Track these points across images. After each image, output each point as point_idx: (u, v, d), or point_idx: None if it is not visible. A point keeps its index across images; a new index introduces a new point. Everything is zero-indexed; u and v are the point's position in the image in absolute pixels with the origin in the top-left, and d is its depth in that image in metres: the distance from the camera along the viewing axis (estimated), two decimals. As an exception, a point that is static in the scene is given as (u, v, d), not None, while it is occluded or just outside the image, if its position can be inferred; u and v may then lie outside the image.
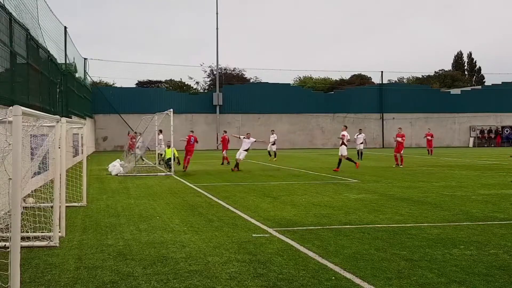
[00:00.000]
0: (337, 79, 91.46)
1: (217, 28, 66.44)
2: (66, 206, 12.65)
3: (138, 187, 20.87)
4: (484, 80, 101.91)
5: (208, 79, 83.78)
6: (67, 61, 36.72)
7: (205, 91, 79.94)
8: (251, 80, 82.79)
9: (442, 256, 9.11)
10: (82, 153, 24.37)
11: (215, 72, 71.71)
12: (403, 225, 12.14)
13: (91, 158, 42.40)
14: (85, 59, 56.07)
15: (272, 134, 41.06)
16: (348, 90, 75.62)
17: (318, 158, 42.08)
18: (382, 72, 71.65)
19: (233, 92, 68.03)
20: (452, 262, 8.71)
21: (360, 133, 40.92)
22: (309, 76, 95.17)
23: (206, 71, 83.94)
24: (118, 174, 26.17)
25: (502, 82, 74.21)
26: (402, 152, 31.54)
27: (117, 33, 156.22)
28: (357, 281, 7.66)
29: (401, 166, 30.60)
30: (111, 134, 63.47)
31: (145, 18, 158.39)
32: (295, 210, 14.44)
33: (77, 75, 43.90)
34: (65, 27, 36.71)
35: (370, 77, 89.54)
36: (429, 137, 40.20)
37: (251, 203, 15.90)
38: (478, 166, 30.78)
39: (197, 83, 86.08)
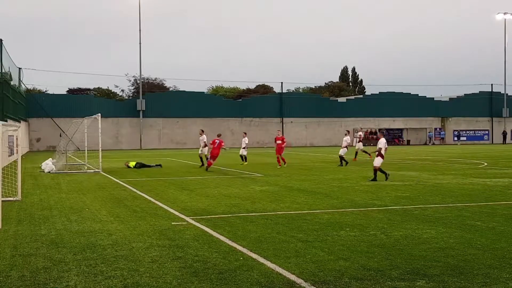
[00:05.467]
0: (244, 88, 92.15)
1: (140, 43, 65.52)
2: (2, 201, 12.02)
3: (69, 182, 20.16)
4: (365, 90, 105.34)
5: (132, 87, 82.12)
6: (3, 70, 35.04)
7: (130, 98, 78.22)
8: (170, 89, 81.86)
9: (331, 237, 9.35)
10: (17, 152, 23.29)
11: (138, 81, 70.47)
12: (299, 212, 12.36)
13: (26, 157, 40.52)
14: (19, 68, 53.64)
15: (244, 137, 30.92)
16: (254, 97, 76.23)
17: (228, 156, 42.16)
18: (282, 83, 72.78)
19: (155, 98, 67.09)
20: (340, 242, 8.95)
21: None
22: (221, 85, 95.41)
23: (130, 81, 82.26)
24: (51, 172, 25.17)
25: (379, 92, 77.14)
26: (282, 153, 28.20)
27: (52, 42, 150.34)
28: (262, 260, 7.74)
29: (284, 165, 27.43)
30: (43, 136, 61.03)
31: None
32: (209, 201, 14.40)
33: (12, 83, 41.90)
34: (1, 40, 34.91)
35: (272, 87, 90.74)
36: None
37: (170, 195, 15.73)
38: (360, 162, 31.77)
39: (123, 90, 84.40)
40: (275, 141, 28.63)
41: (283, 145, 28.22)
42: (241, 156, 29.84)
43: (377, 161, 19.66)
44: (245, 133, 32.25)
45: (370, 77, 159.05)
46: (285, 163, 27.68)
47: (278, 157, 27.92)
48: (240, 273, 7.04)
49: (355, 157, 33.07)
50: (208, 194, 15.91)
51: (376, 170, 19.63)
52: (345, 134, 30.55)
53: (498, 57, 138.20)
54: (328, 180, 20.09)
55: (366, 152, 30.99)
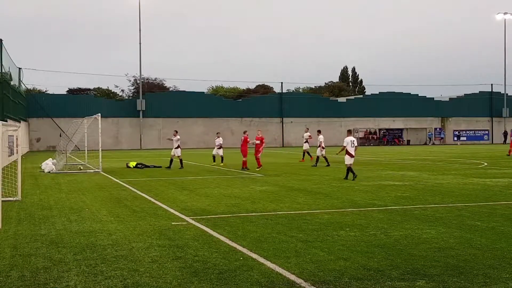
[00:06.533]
0: (244, 88, 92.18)
1: (140, 43, 65.58)
2: (2, 201, 12.01)
3: (69, 182, 20.16)
4: (364, 90, 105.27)
5: (132, 87, 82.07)
6: (3, 71, 35.05)
7: (130, 98, 78.22)
8: (171, 89, 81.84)
9: (331, 237, 9.34)
10: (17, 152, 23.29)
11: (138, 81, 70.48)
12: (300, 212, 12.36)
13: (26, 157, 40.52)
14: (19, 68, 53.66)
15: (218, 137, 30.07)
16: (254, 97, 76.24)
17: (228, 156, 42.12)
18: (282, 83, 72.78)
19: (155, 98, 67.10)
20: (340, 242, 8.95)
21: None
22: (221, 85, 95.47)
23: (130, 81, 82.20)
24: (51, 172, 25.18)
25: (379, 92, 77.13)
26: (259, 155, 26.29)
27: (53, 42, 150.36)
28: (262, 260, 7.74)
29: (257, 168, 25.38)
30: (43, 136, 61.06)
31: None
32: (209, 200, 14.40)
33: (12, 83, 41.91)
34: (1, 40, 34.91)
35: (272, 87, 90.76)
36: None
37: (170, 195, 15.73)
38: (361, 162, 31.72)
39: (123, 90, 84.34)
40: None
41: (261, 147, 26.53)
42: (213, 156, 30.00)
43: (347, 160, 20.10)
44: (219, 133, 31.24)
45: (370, 77, 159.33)
46: (259, 166, 25.74)
47: (256, 158, 26.20)
48: (240, 273, 7.04)
49: (303, 157, 33.28)
50: (208, 194, 15.91)
51: (349, 169, 20.10)
52: (318, 134, 29.80)
53: (498, 57, 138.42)
54: (328, 180, 20.10)
55: (308, 154, 32.22)
